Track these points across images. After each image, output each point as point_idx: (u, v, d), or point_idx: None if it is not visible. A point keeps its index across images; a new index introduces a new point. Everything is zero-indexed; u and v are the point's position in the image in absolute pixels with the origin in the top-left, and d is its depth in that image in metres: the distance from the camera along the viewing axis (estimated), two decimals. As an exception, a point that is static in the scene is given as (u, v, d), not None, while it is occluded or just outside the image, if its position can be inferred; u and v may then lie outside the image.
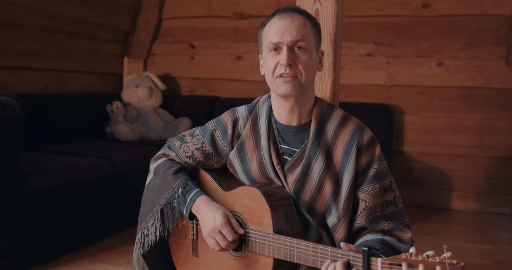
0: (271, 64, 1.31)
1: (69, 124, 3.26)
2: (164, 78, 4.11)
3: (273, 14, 1.35)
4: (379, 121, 3.43)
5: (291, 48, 1.28)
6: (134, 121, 3.63)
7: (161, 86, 3.86)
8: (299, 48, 1.29)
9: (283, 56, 1.27)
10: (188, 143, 1.49)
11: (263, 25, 1.37)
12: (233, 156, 1.45)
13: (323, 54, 1.42)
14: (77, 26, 3.52)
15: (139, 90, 3.71)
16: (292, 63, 1.27)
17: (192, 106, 3.89)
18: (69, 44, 3.48)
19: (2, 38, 2.94)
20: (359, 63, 3.67)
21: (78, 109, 3.34)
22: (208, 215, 1.32)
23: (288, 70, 1.27)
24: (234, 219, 1.33)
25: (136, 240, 1.49)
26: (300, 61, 1.28)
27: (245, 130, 1.42)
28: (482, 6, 3.38)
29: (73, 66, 3.55)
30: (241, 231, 1.32)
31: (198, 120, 3.68)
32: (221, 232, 1.30)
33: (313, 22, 1.35)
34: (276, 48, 1.30)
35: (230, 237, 1.29)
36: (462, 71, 3.46)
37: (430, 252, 1.00)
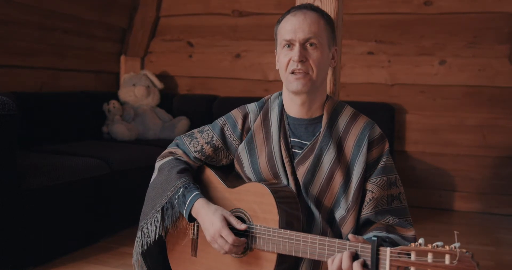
0: (284, 60, 1.37)
1: (65, 124, 3.24)
2: (161, 76, 4.08)
3: (288, 11, 1.41)
4: (381, 120, 3.35)
5: (303, 45, 1.34)
6: (131, 120, 3.60)
7: (159, 84, 3.83)
8: (311, 44, 1.34)
9: (295, 52, 1.33)
10: (198, 138, 1.52)
11: (278, 21, 1.42)
12: (242, 149, 1.47)
13: (336, 50, 1.46)
14: (73, 24, 3.50)
15: (136, 89, 3.68)
16: (304, 59, 1.33)
17: (190, 105, 3.87)
18: (65, 42, 3.46)
19: (-4, 36, 2.92)
20: (360, 62, 3.64)
21: (74, 108, 3.32)
22: (207, 220, 1.32)
23: (299, 66, 1.33)
24: (233, 218, 1.32)
25: (136, 238, 1.49)
26: (312, 57, 1.34)
27: (255, 123, 1.47)
28: (485, 3, 3.35)
29: (69, 64, 3.52)
30: (242, 226, 1.31)
31: (196, 120, 3.66)
32: (222, 236, 1.29)
33: (327, 19, 1.40)
34: (289, 45, 1.36)
35: (229, 239, 1.28)
36: (465, 70, 3.43)
37: (439, 243, 1.02)
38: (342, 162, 1.36)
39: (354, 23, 3.59)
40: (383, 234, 1.32)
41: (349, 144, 1.37)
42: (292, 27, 1.34)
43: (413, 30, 3.52)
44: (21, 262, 2.14)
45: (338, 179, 1.36)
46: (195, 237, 1.46)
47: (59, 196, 2.34)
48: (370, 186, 1.35)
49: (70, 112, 3.27)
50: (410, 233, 1.34)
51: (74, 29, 3.51)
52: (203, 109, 3.80)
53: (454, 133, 3.48)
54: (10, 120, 2.02)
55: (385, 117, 3.45)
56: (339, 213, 1.37)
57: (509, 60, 3.34)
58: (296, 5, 1.43)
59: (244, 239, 1.31)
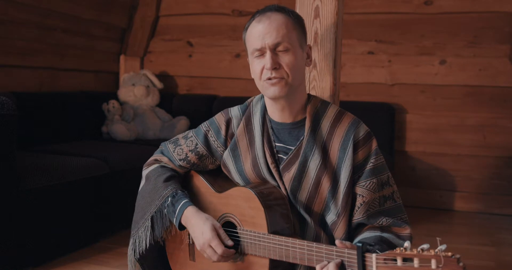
0: (257, 68, 1.32)
1: (64, 123, 3.23)
2: (161, 76, 4.06)
3: (253, 17, 1.35)
4: (381, 120, 3.40)
5: (273, 51, 1.29)
6: (130, 120, 3.59)
7: (158, 84, 3.82)
8: (282, 49, 1.29)
9: (267, 60, 1.28)
10: (182, 145, 1.48)
11: (245, 29, 1.38)
12: (226, 156, 1.44)
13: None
14: (72, 23, 3.48)
15: (135, 89, 3.67)
16: (277, 66, 1.28)
17: (190, 105, 3.86)
18: (64, 41, 3.45)
19: (-4, 35, 2.91)
20: (360, 61, 3.64)
21: (74, 108, 3.31)
22: (197, 229, 1.31)
23: (274, 74, 1.28)
24: (222, 231, 1.31)
25: (129, 245, 1.47)
26: (285, 62, 1.29)
27: (238, 129, 1.42)
28: (486, 3, 3.34)
29: (68, 64, 3.51)
30: (230, 243, 1.29)
31: (196, 119, 3.64)
32: (211, 246, 1.29)
33: (295, 18, 1.33)
34: (260, 53, 1.31)
35: (219, 250, 1.27)
36: (466, 69, 3.42)
37: (425, 246, 0.99)
38: (329, 167, 1.32)
39: (354, 22, 3.58)
40: (376, 233, 1.29)
41: (334, 148, 1.32)
42: (259, 34, 1.29)
43: (414, 30, 3.51)
44: (21, 262, 2.14)
45: (326, 184, 1.32)
46: (191, 242, 1.45)
47: (58, 196, 2.34)
48: (360, 190, 1.31)
49: (69, 112, 3.26)
50: (406, 231, 1.31)
51: (74, 29, 3.50)
52: (203, 109, 3.79)
53: (455, 133, 3.47)
54: (10, 120, 2.02)
55: (385, 117, 3.44)
56: (329, 218, 1.34)
57: (509, 60, 3.33)
58: (276, 6, 1.35)
59: (233, 251, 1.30)
